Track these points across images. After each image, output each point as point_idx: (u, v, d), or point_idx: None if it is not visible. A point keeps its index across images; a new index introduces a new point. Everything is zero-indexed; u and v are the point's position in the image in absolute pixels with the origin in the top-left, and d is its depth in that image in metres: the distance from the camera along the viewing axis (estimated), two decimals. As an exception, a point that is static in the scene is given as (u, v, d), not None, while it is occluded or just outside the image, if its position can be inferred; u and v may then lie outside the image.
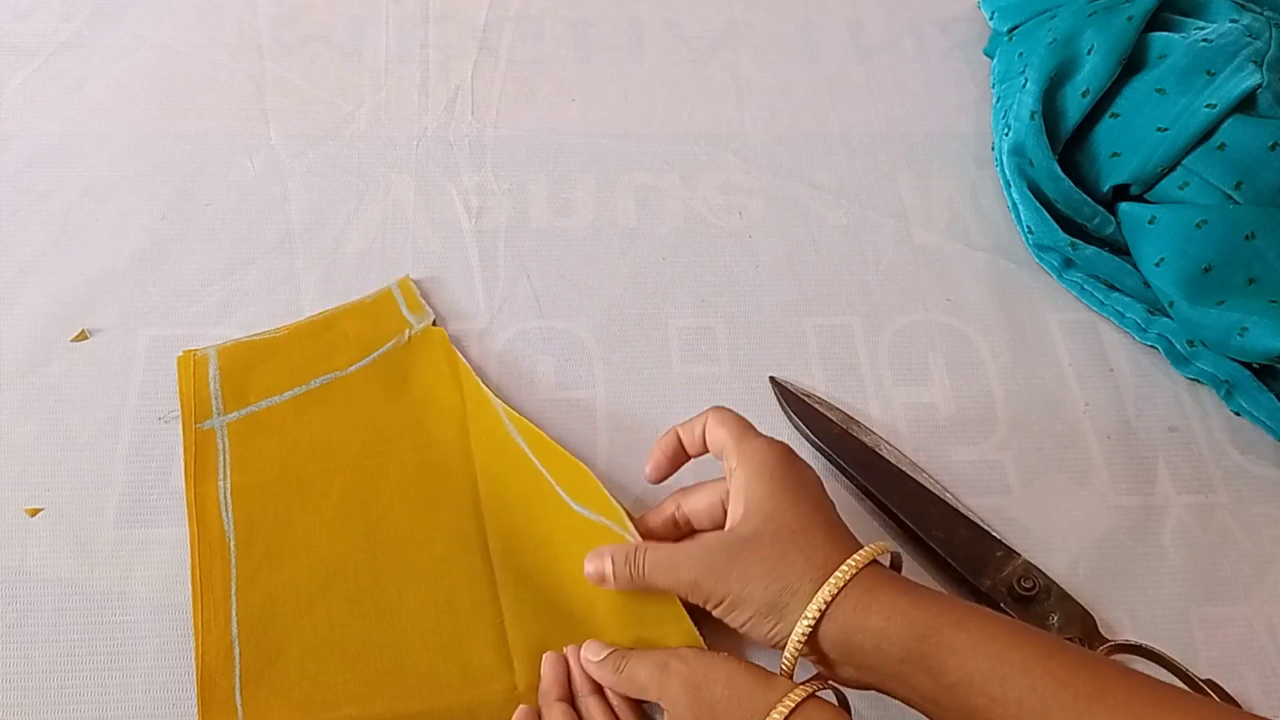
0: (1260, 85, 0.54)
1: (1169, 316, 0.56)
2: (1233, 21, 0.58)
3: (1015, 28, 0.66)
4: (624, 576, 0.42)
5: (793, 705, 0.36)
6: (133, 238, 0.57)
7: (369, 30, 0.69)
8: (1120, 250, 0.58)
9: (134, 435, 0.50)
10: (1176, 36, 0.58)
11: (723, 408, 0.44)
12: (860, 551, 0.39)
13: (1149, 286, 0.56)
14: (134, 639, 0.45)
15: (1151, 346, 0.57)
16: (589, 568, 0.43)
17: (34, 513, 0.48)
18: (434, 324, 0.55)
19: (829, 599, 0.37)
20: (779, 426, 0.53)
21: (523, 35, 0.69)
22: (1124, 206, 0.58)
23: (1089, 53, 0.59)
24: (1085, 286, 0.58)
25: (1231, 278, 0.53)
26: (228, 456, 0.49)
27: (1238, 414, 0.54)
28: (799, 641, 0.38)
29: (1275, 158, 0.54)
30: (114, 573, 0.46)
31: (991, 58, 0.68)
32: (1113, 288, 0.58)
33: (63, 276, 0.55)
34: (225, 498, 0.48)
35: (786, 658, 0.38)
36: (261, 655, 0.44)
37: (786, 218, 0.61)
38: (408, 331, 0.53)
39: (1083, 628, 0.46)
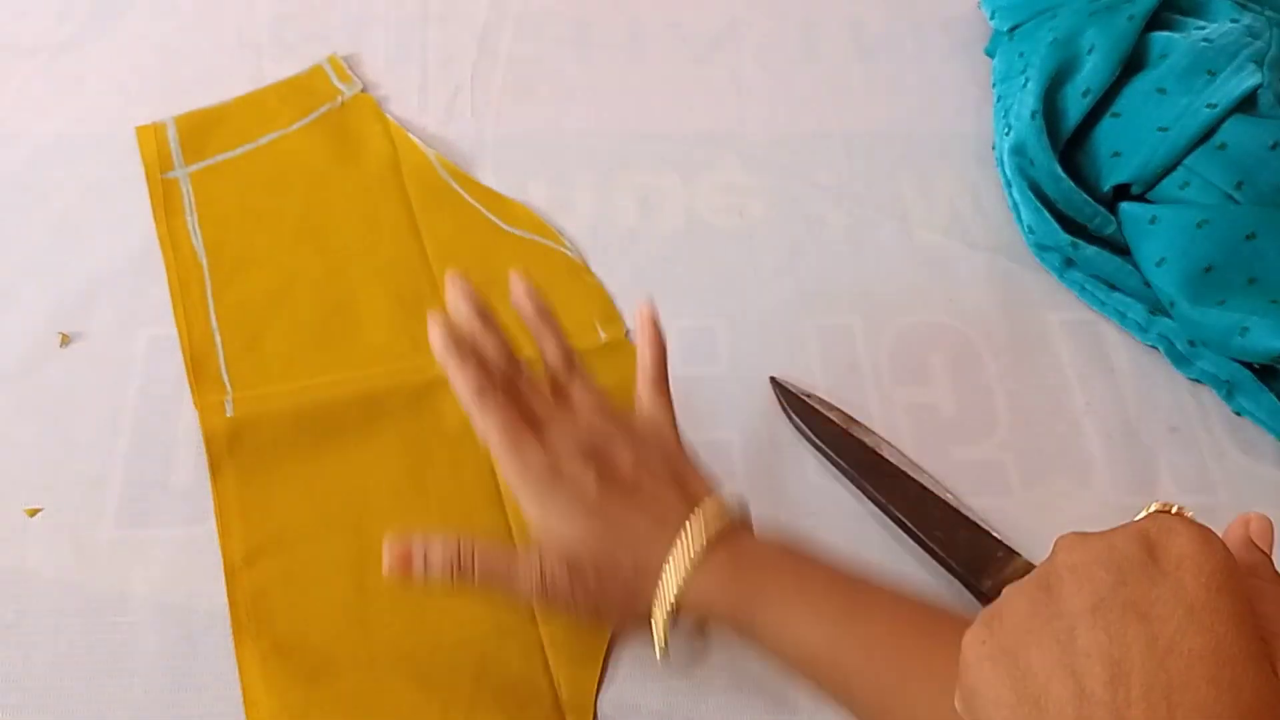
0: (1261, 85, 0.54)
1: (1170, 317, 0.55)
2: (1233, 21, 0.58)
3: (1016, 27, 0.66)
4: (443, 570, 0.39)
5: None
6: (133, 238, 0.57)
7: (369, 30, 0.69)
8: (1121, 250, 0.58)
9: (134, 435, 0.50)
10: (1177, 36, 0.58)
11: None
12: (687, 531, 0.39)
13: (1150, 286, 0.56)
14: (134, 639, 0.45)
15: (1152, 346, 0.57)
16: (390, 555, 0.39)
17: (34, 513, 0.48)
18: (362, 91, 0.63)
19: (673, 598, 0.38)
20: (779, 427, 0.53)
21: (523, 35, 0.69)
22: (1125, 206, 0.58)
23: (1090, 52, 0.59)
24: (1086, 286, 0.58)
25: (1232, 278, 0.53)
26: (192, 198, 0.57)
27: (1239, 414, 0.54)
28: (663, 630, 0.39)
29: (1276, 157, 0.53)
30: (114, 573, 0.46)
31: (992, 57, 0.68)
32: (1113, 288, 0.58)
33: (63, 276, 0.55)
34: (194, 228, 0.56)
35: (659, 637, 0.40)
36: (239, 341, 0.53)
37: (786, 218, 0.61)
38: (339, 98, 0.63)
39: None
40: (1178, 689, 0.23)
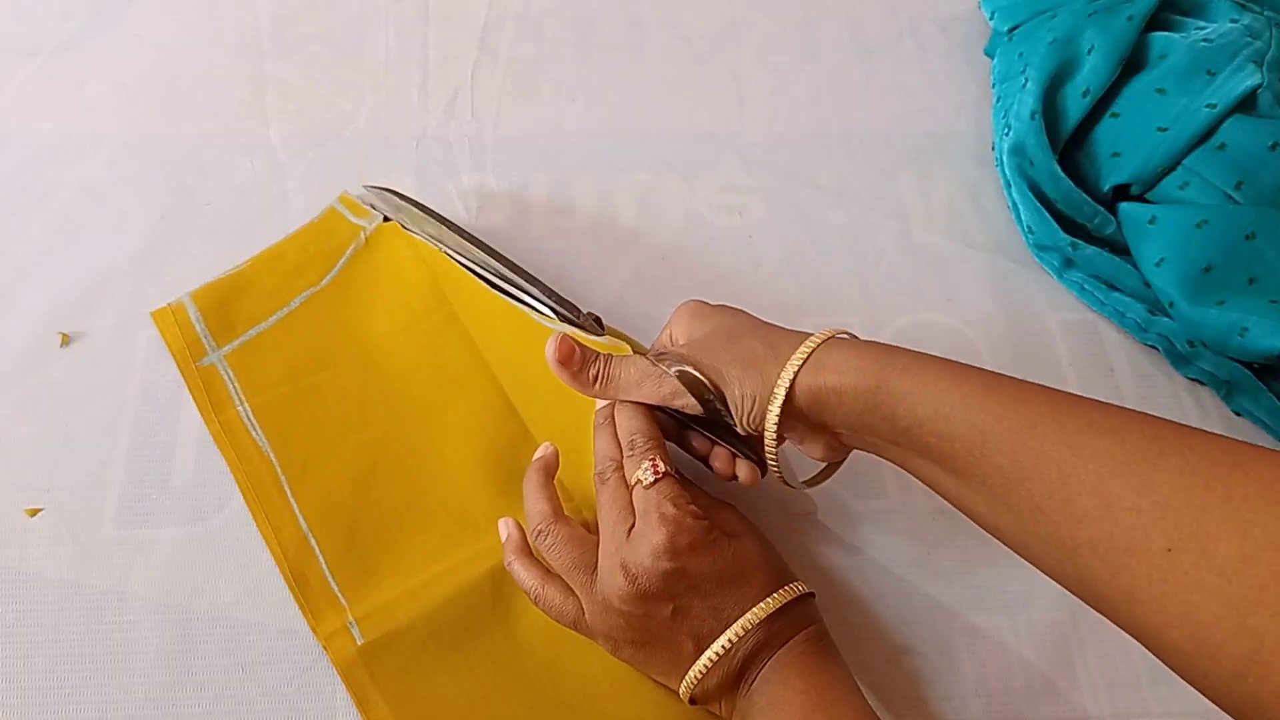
0: (1260, 85, 0.54)
1: (1169, 317, 0.55)
2: (1233, 21, 0.58)
3: (1015, 27, 0.66)
4: (585, 377, 0.44)
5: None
6: (133, 238, 0.57)
7: (369, 30, 0.69)
8: (1120, 250, 0.58)
9: (134, 435, 0.50)
10: (1177, 36, 0.58)
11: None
12: (820, 331, 0.42)
13: (1149, 286, 0.56)
14: (134, 639, 0.45)
15: (1152, 347, 0.57)
16: (554, 351, 0.43)
17: (34, 513, 0.48)
18: (384, 220, 0.57)
19: (798, 364, 0.40)
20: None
21: (523, 35, 0.69)
22: (1124, 206, 0.58)
23: (1089, 52, 0.59)
24: (1085, 286, 0.58)
25: (1232, 278, 0.53)
26: (236, 384, 0.52)
27: (1238, 414, 0.54)
28: (777, 409, 0.40)
29: (1275, 158, 0.54)
30: (114, 573, 0.47)
31: (992, 57, 0.68)
32: (1113, 288, 0.58)
33: (63, 276, 0.55)
34: (249, 419, 0.51)
35: (770, 425, 0.41)
36: (337, 538, 0.48)
37: (786, 218, 0.61)
38: (362, 234, 0.57)
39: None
40: None
